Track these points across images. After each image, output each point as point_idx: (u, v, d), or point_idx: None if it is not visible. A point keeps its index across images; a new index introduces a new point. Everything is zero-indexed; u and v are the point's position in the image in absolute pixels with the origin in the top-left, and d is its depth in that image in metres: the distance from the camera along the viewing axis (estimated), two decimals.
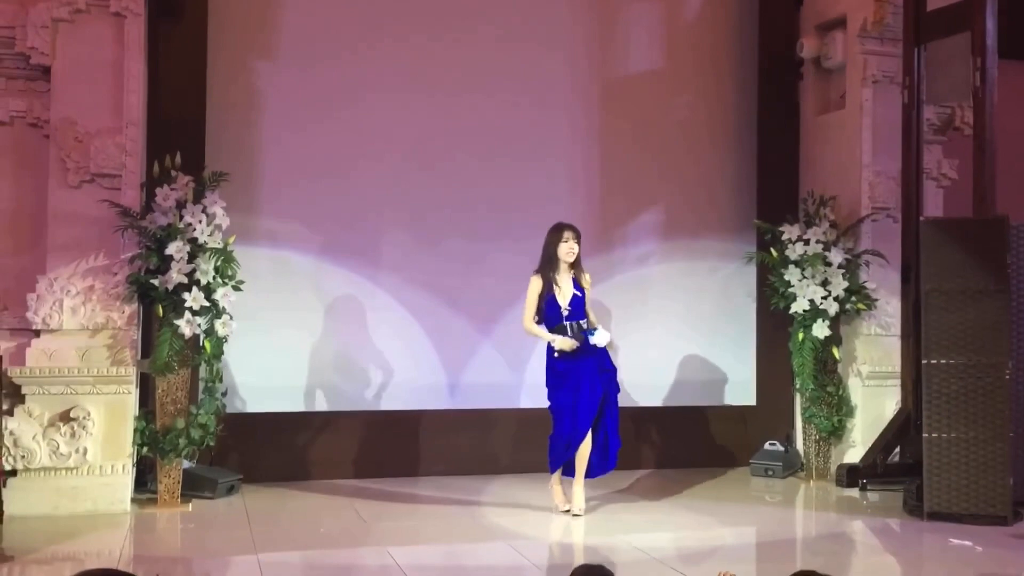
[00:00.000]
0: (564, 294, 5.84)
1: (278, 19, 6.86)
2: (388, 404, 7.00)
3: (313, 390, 6.91)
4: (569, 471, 5.90)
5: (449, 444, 7.04)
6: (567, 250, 5.84)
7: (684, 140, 7.63)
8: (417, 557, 5.05)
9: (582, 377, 5.77)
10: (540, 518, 5.86)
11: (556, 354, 5.77)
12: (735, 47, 7.76)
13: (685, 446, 7.49)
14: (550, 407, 5.90)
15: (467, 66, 7.15)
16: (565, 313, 5.81)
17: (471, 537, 5.55)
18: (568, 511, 5.84)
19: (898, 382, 6.93)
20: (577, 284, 5.89)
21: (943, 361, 5.89)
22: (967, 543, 5.38)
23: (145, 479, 6.18)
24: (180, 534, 5.64)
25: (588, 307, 5.94)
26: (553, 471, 5.92)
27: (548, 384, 5.89)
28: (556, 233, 5.90)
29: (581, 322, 5.83)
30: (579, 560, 5.08)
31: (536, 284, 5.86)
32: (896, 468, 6.61)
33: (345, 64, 6.96)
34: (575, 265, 5.91)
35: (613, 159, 7.47)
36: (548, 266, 5.86)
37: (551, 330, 5.83)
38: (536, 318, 5.88)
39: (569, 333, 5.77)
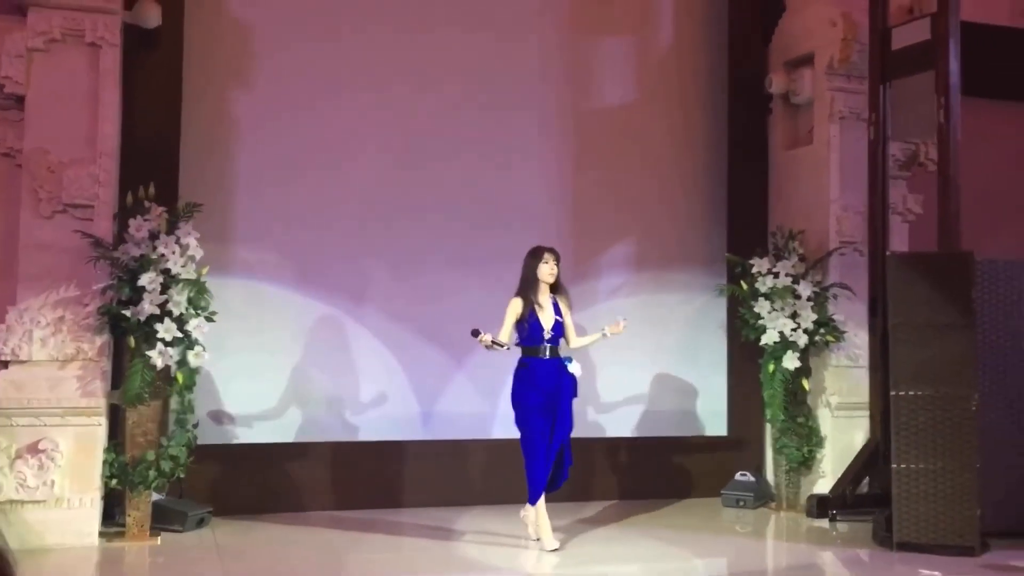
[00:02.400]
0: (547, 317, 5.83)
1: (254, 50, 6.89)
2: (361, 434, 6.98)
3: (285, 421, 6.87)
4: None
5: (422, 474, 7.02)
6: (548, 271, 5.84)
7: (654, 175, 7.73)
8: None
9: (558, 409, 5.78)
10: (513, 550, 5.85)
11: (496, 346, 5.64)
12: (705, 82, 7.89)
13: (657, 477, 7.52)
14: (522, 438, 5.82)
15: (440, 111, 7.21)
16: (547, 336, 5.81)
17: (446, 569, 5.53)
18: (556, 549, 5.74)
19: (867, 413, 7.02)
20: (557, 307, 5.90)
21: (911, 393, 5.98)
22: (936, 574, 5.44)
23: (113, 512, 6.09)
24: (148, 568, 5.57)
25: (570, 329, 5.93)
26: (535, 503, 5.81)
27: (520, 414, 5.79)
28: (536, 255, 5.88)
29: (558, 348, 5.84)
30: None
31: (516, 306, 5.80)
32: (865, 499, 6.68)
33: (322, 96, 6.99)
34: (555, 287, 5.92)
35: (585, 193, 7.55)
36: (529, 288, 5.83)
37: (532, 351, 5.79)
38: (516, 338, 5.85)
39: (546, 355, 5.78)
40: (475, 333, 5.65)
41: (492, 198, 7.28)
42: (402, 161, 7.13)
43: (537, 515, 5.81)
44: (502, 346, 5.66)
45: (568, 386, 5.84)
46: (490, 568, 5.49)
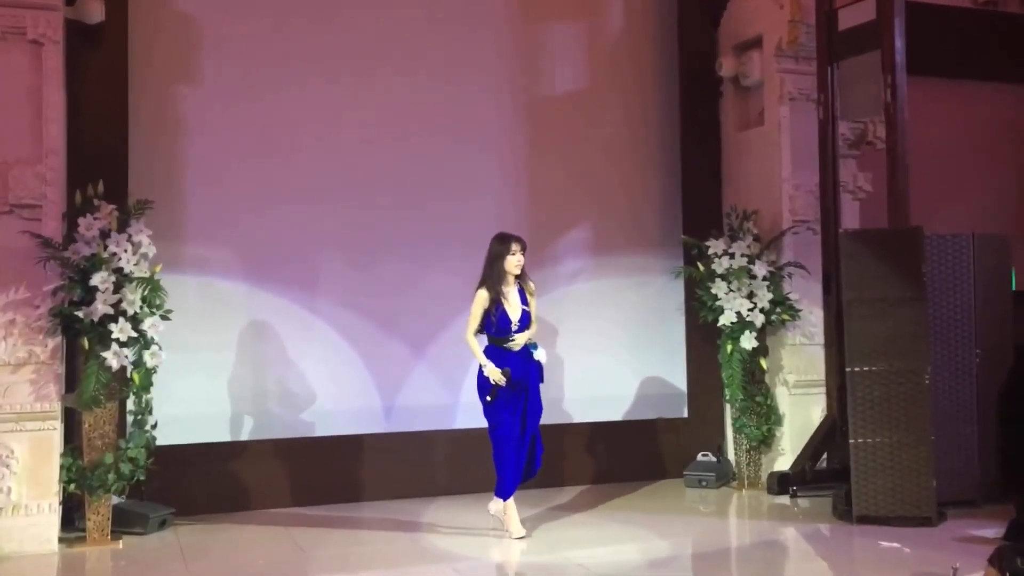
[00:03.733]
0: (514, 308, 5.80)
1: (200, 43, 6.77)
2: (323, 429, 6.93)
3: (246, 418, 6.80)
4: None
5: (386, 468, 6.99)
6: (515, 263, 5.78)
7: (609, 159, 7.76)
8: None
9: (528, 397, 5.79)
10: (481, 539, 5.86)
11: (490, 390, 5.71)
12: (656, 67, 7.93)
13: (619, 460, 7.57)
14: (491, 429, 5.82)
15: (393, 93, 7.16)
16: (515, 327, 5.79)
17: (412, 561, 5.53)
18: (523, 537, 5.78)
19: (823, 390, 7.13)
20: (523, 296, 5.87)
21: (865, 368, 6.09)
22: (895, 545, 5.56)
23: (73, 517, 5.99)
24: (111, 573, 5.49)
25: (534, 319, 5.92)
26: (508, 498, 5.81)
27: (490, 410, 5.77)
28: (503, 244, 5.80)
29: (525, 337, 5.83)
30: None
31: (484, 299, 5.76)
32: (824, 474, 6.79)
33: (270, 88, 6.90)
34: (520, 275, 5.88)
35: (539, 179, 7.55)
36: (494, 279, 5.76)
37: (501, 341, 5.79)
38: (480, 330, 5.82)
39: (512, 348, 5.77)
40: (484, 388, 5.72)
41: (447, 186, 7.25)
42: (354, 150, 7.07)
43: (506, 506, 5.81)
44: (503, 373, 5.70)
45: (535, 373, 5.86)
46: (459, 558, 5.49)
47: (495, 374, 5.68)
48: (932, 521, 5.92)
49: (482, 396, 5.79)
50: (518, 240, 5.84)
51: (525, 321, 5.83)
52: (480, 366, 5.78)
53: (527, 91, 7.59)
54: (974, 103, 8.83)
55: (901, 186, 6.43)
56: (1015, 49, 8.57)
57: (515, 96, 7.55)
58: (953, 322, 6.48)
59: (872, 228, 6.88)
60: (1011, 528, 5.39)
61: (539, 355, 5.85)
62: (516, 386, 5.76)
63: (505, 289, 5.81)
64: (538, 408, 5.88)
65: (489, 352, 5.80)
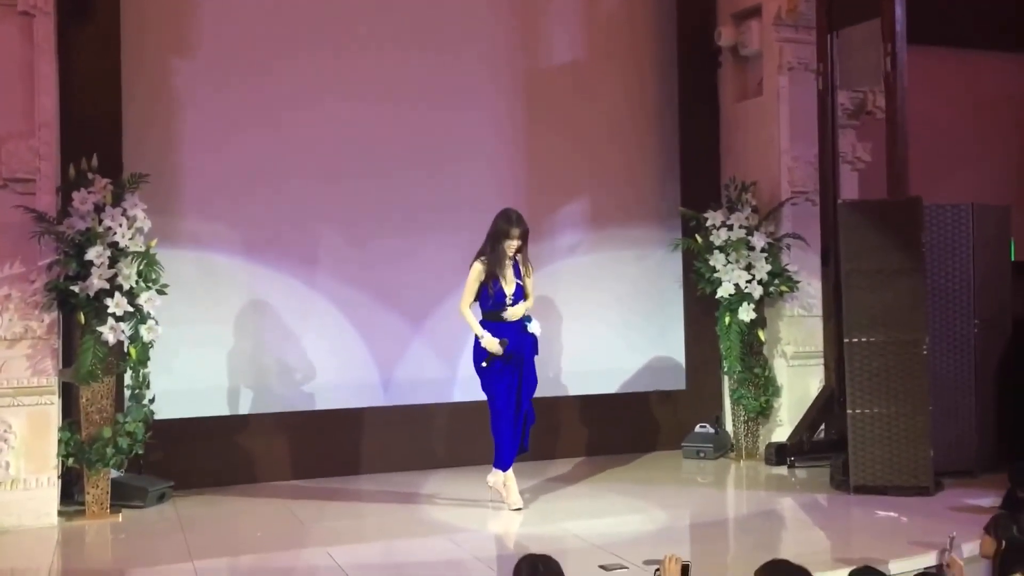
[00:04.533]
0: (509, 282, 5.78)
1: (195, 14, 6.70)
2: (321, 403, 6.93)
3: (244, 392, 6.80)
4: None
5: (384, 440, 7.01)
6: (514, 247, 5.74)
7: (607, 131, 7.70)
8: (357, 556, 5.02)
9: (523, 370, 5.79)
10: (479, 511, 5.88)
11: (486, 357, 5.71)
12: (654, 37, 7.86)
13: (617, 432, 7.58)
14: (490, 401, 5.81)
15: (390, 65, 7.10)
16: (510, 302, 5.77)
17: (411, 533, 5.54)
18: (521, 508, 5.79)
19: (821, 361, 7.13)
20: (517, 270, 5.84)
21: (863, 339, 6.08)
22: (892, 514, 5.57)
23: (72, 491, 6.01)
24: (111, 545, 5.51)
25: (530, 293, 5.91)
26: (507, 470, 5.82)
27: (487, 377, 5.78)
28: (507, 225, 5.75)
29: (523, 308, 5.82)
30: (521, 551, 5.10)
31: (478, 271, 5.74)
32: (822, 445, 6.80)
33: (265, 60, 6.84)
34: (519, 252, 5.81)
35: (538, 152, 7.50)
36: (493, 256, 5.73)
37: (495, 315, 5.77)
38: (476, 303, 5.81)
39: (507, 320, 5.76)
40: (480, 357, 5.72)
41: (445, 158, 7.20)
42: (351, 123, 7.02)
43: (505, 478, 5.83)
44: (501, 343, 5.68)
45: (530, 345, 5.85)
46: (457, 529, 5.50)
47: (492, 345, 5.68)
48: (929, 491, 5.94)
49: (477, 363, 5.79)
50: (520, 225, 5.75)
51: (519, 295, 5.82)
52: (476, 337, 5.77)
53: (525, 62, 7.53)
54: (977, 72, 8.77)
55: (901, 156, 6.39)
56: (1020, 18, 8.48)
57: (513, 67, 7.48)
58: (952, 293, 6.47)
59: (871, 199, 6.85)
60: (1008, 497, 5.40)
61: (533, 327, 5.85)
62: (511, 358, 5.75)
63: (502, 264, 5.78)
64: (533, 380, 5.89)
65: (484, 325, 5.79)
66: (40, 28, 5.78)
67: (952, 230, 6.47)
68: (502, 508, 5.84)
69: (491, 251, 5.77)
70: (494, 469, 5.87)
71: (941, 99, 8.34)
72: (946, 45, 8.33)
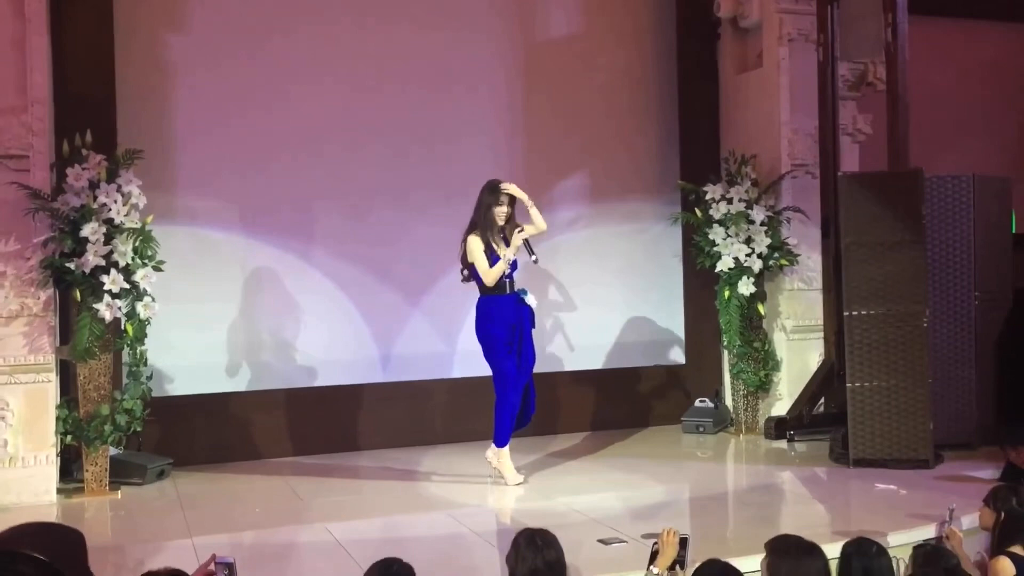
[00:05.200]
0: (505, 256, 5.76)
1: None
2: (320, 379, 6.92)
3: (242, 369, 6.79)
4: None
5: (384, 417, 7.00)
6: (502, 214, 5.73)
7: (605, 104, 7.65)
8: (357, 532, 5.02)
9: (523, 343, 5.77)
10: (478, 487, 5.87)
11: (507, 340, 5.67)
12: (652, 8, 7.78)
13: (617, 407, 7.58)
14: (498, 376, 5.74)
15: (387, 39, 7.03)
16: (507, 272, 5.74)
17: (410, 509, 5.54)
18: (521, 483, 5.78)
19: (821, 335, 7.11)
20: (507, 241, 5.80)
21: (863, 312, 6.05)
22: (892, 487, 5.57)
23: (71, 468, 6.02)
24: (110, 522, 5.51)
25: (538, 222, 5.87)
26: (504, 445, 5.80)
27: (495, 353, 5.72)
28: (493, 195, 5.74)
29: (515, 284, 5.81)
30: (519, 526, 5.10)
31: (479, 242, 5.68)
32: (821, 418, 6.80)
33: (261, 35, 6.78)
34: (508, 222, 5.79)
35: (535, 126, 7.45)
36: (485, 228, 5.71)
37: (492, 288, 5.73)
38: (468, 278, 5.79)
39: (506, 291, 5.74)
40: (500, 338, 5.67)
41: (442, 133, 7.16)
42: (348, 98, 6.97)
43: (501, 454, 5.82)
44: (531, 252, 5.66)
45: (527, 318, 5.84)
46: (457, 505, 5.50)
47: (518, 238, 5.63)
48: (929, 463, 5.93)
49: (496, 352, 5.70)
50: (506, 192, 5.76)
51: (514, 266, 5.79)
52: (485, 313, 5.71)
53: (522, 36, 7.46)
54: (978, 43, 8.70)
55: (902, 128, 6.34)
56: None
57: (510, 40, 7.42)
58: (952, 265, 6.44)
59: (872, 171, 6.80)
60: (1007, 469, 5.39)
61: (530, 300, 5.82)
62: (513, 329, 5.73)
63: (495, 233, 5.74)
64: (531, 353, 5.86)
65: (483, 303, 5.76)
66: (32, 3, 5.72)
67: (953, 202, 6.43)
68: (500, 483, 5.83)
69: (483, 223, 5.73)
70: (493, 446, 5.86)
71: (942, 70, 8.28)
72: (947, 15, 8.26)
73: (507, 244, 5.79)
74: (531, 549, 3.13)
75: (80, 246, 5.63)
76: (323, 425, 6.89)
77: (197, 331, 6.61)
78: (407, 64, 7.08)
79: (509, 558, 3.17)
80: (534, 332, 5.92)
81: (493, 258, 5.72)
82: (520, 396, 5.80)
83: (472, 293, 5.88)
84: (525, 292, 5.83)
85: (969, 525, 4.53)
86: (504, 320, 5.73)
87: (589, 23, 7.64)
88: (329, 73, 6.92)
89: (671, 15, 7.76)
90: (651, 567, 3.45)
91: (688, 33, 7.76)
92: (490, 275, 5.69)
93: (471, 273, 5.79)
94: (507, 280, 5.76)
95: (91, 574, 2.30)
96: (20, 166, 5.69)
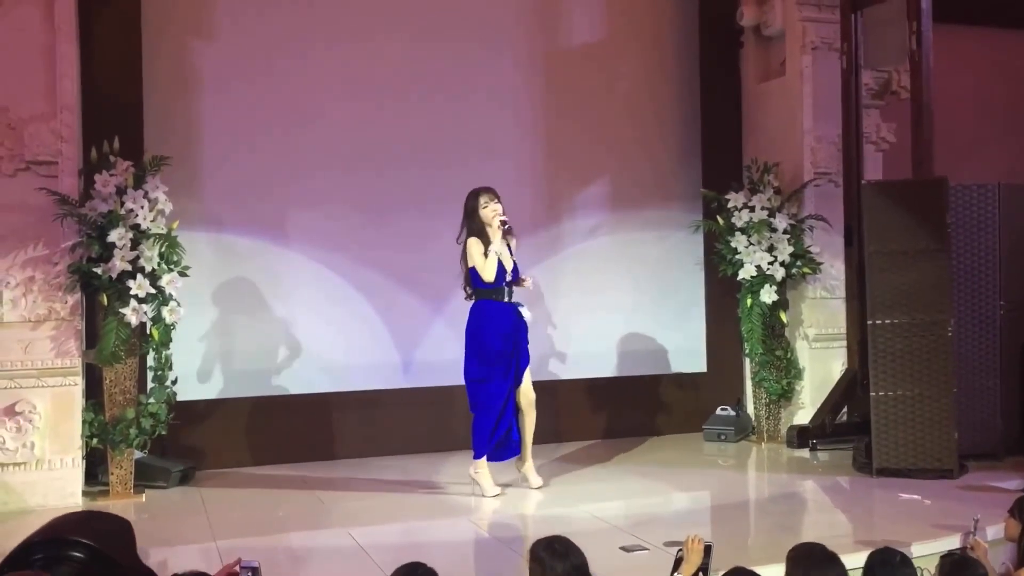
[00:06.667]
0: (506, 259, 5.75)
1: None
2: (342, 385, 6.95)
3: (265, 374, 6.83)
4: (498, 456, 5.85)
5: (405, 422, 7.02)
6: (492, 211, 5.70)
7: (628, 112, 7.65)
8: (378, 536, 5.05)
9: (518, 357, 5.76)
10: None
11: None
12: (675, 17, 7.78)
13: (638, 415, 7.57)
14: (482, 390, 5.74)
15: (411, 51, 7.07)
16: (508, 279, 5.75)
17: (432, 514, 5.56)
18: (499, 495, 5.76)
19: (844, 343, 7.07)
20: (509, 249, 5.81)
21: (887, 321, 6.02)
22: (916, 497, 5.53)
23: (96, 471, 6.07)
24: (135, 525, 5.46)
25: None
26: (480, 457, 5.80)
27: (479, 367, 5.72)
28: (475, 199, 5.74)
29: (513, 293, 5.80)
30: (539, 532, 5.10)
31: (478, 243, 5.69)
32: (844, 427, 6.76)
33: (287, 43, 6.83)
34: (506, 232, 5.74)
35: (557, 133, 7.46)
36: (482, 229, 5.71)
37: (491, 292, 5.72)
38: (468, 283, 5.80)
39: (505, 298, 5.75)
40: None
41: (465, 141, 7.18)
42: (372, 106, 7.01)
43: (478, 464, 5.79)
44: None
45: (524, 329, 5.83)
46: (477, 510, 5.52)
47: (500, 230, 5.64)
48: (953, 473, 5.89)
49: (480, 366, 5.71)
50: (487, 190, 5.76)
51: (515, 274, 5.79)
52: (479, 323, 5.72)
53: (544, 44, 7.48)
54: (1003, 51, 8.65)
55: (926, 136, 6.30)
56: None
57: (532, 49, 7.44)
58: (978, 274, 6.40)
59: (895, 179, 6.77)
60: None
61: (525, 314, 5.81)
62: (508, 340, 5.72)
63: (493, 240, 5.70)
64: (527, 357, 5.84)
65: (479, 306, 5.75)
66: (61, 11, 5.80)
67: (978, 210, 6.40)
68: (522, 489, 5.84)
69: (477, 224, 5.70)
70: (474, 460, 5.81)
71: (967, 78, 8.23)
72: (971, 23, 8.20)
73: (508, 249, 5.78)
74: (555, 557, 3.09)
75: (107, 251, 5.69)
76: (345, 430, 6.92)
77: (221, 335, 6.66)
78: (432, 75, 7.11)
79: (534, 572, 3.14)
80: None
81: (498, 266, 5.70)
82: (503, 403, 5.73)
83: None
84: (521, 305, 5.82)
85: (994, 536, 4.50)
86: (498, 329, 5.70)
87: (612, 31, 7.65)
88: (355, 84, 6.96)
89: (694, 23, 7.77)
90: (675, 574, 3.44)
91: (711, 41, 7.76)
92: (487, 269, 5.65)
93: (471, 277, 5.76)
94: (506, 287, 5.75)
95: (139, 561, 2.31)
96: (49, 172, 5.76)
